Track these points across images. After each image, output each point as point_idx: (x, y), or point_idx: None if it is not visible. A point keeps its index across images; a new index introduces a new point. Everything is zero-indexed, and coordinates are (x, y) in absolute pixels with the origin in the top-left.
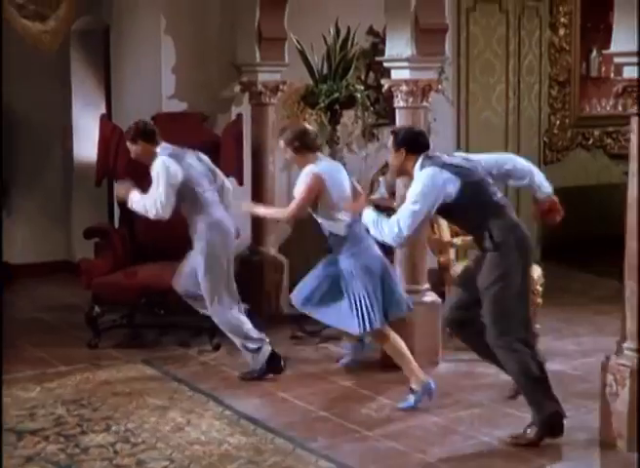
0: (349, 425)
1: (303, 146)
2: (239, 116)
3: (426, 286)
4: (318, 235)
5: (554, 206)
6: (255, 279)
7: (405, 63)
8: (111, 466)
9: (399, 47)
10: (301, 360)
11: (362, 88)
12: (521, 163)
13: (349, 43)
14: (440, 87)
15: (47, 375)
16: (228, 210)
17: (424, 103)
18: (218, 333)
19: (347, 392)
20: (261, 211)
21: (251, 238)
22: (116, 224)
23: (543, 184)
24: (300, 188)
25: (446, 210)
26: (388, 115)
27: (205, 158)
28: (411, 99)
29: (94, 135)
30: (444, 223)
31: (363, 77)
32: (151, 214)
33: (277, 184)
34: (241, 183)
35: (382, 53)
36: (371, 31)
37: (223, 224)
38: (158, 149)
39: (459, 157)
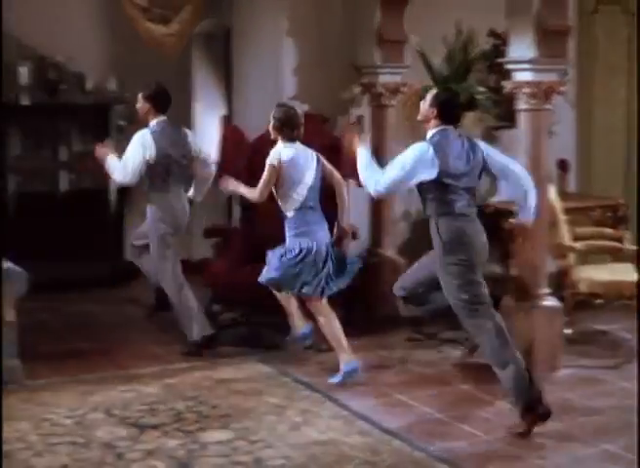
0: (467, 428)
1: (282, 129)
2: (359, 118)
3: (547, 290)
4: None
5: (522, 232)
6: (372, 280)
7: (527, 65)
8: (229, 463)
9: (521, 49)
10: (419, 362)
11: (483, 90)
12: (525, 175)
13: (471, 45)
14: (562, 89)
15: (167, 372)
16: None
17: (547, 106)
18: None
19: (466, 395)
20: (238, 188)
21: (369, 239)
22: (235, 224)
23: (530, 209)
24: (264, 174)
25: (419, 187)
26: (509, 117)
27: (190, 139)
28: (533, 102)
29: (214, 136)
30: (564, 227)
31: (484, 79)
32: (116, 177)
33: None
34: (361, 185)
35: (504, 54)
36: (492, 33)
37: (174, 210)
38: (155, 119)
39: (465, 150)
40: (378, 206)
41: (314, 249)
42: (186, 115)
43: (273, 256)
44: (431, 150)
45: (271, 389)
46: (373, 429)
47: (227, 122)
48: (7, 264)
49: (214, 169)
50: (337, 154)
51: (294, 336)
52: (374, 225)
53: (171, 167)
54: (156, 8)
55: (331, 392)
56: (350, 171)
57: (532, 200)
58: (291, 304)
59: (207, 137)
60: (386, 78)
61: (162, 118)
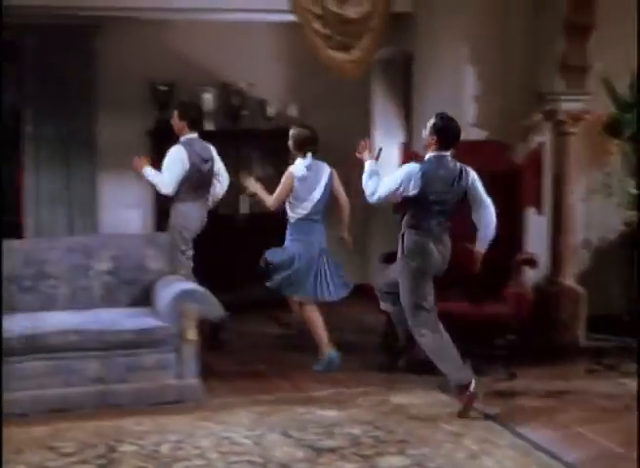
0: None
1: (298, 148)
2: (540, 145)
3: None
4: (618, 267)
5: (474, 259)
6: (551, 309)
7: None
8: None
9: None
10: (598, 394)
11: None
12: (492, 211)
13: None
14: None
15: (344, 396)
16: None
17: None
18: (513, 362)
19: None
20: (258, 190)
21: (548, 268)
22: None
23: (486, 241)
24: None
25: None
26: None
27: (215, 155)
28: None
29: (392, 162)
30: None
31: None
32: (159, 189)
33: (577, 215)
34: (541, 213)
35: None
36: None
37: (196, 218)
38: (188, 135)
39: (452, 177)
40: (558, 234)
41: (307, 255)
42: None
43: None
44: (420, 173)
45: (448, 417)
46: (552, 461)
47: (408, 148)
48: (191, 286)
49: (225, 187)
50: (517, 181)
51: (322, 362)
52: (553, 254)
53: (200, 180)
54: (337, 35)
55: (508, 422)
56: (531, 200)
57: (489, 234)
58: (317, 323)
59: (386, 164)
60: (569, 105)
61: (194, 135)
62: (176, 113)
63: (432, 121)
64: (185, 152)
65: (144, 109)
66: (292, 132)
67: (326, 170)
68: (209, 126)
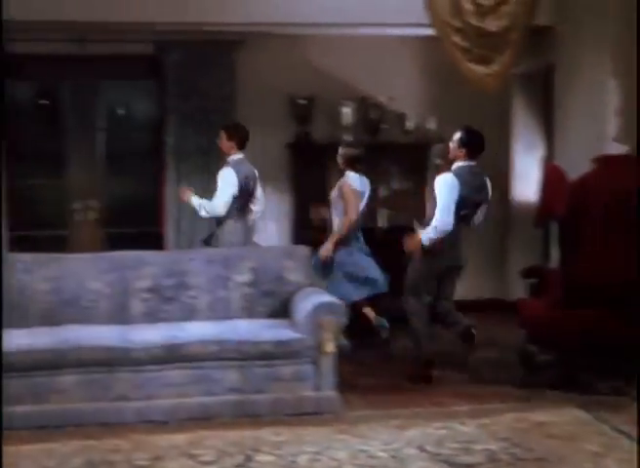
0: None
1: (348, 164)
2: None
3: None
4: None
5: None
6: None
7: None
8: None
9: None
10: None
11: None
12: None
13: None
14: None
15: (482, 411)
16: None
17: None
18: None
19: None
20: (336, 235)
21: None
22: (553, 265)
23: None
24: (347, 199)
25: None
26: None
27: (256, 177)
28: None
29: (532, 177)
30: None
31: None
32: (206, 213)
33: None
34: None
35: None
36: None
37: (236, 231)
38: (235, 155)
39: (478, 185)
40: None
41: (363, 258)
42: (504, 155)
43: (337, 281)
44: (455, 179)
45: (588, 435)
46: None
47: (552, 163)
48: (330, 298)
49: (261, 211)
50: None
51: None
52: None
53: (246, 199)
54: (476, 48)
55: None
56: None
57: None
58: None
59: (525, 178)
60: None
61: (241, 155)
62: (223, 134)
63: (458, 135)
64: (235, 174)
65: (284, 123)
66: (341, 150)
67: (368, 182)
68: (348, 139)
